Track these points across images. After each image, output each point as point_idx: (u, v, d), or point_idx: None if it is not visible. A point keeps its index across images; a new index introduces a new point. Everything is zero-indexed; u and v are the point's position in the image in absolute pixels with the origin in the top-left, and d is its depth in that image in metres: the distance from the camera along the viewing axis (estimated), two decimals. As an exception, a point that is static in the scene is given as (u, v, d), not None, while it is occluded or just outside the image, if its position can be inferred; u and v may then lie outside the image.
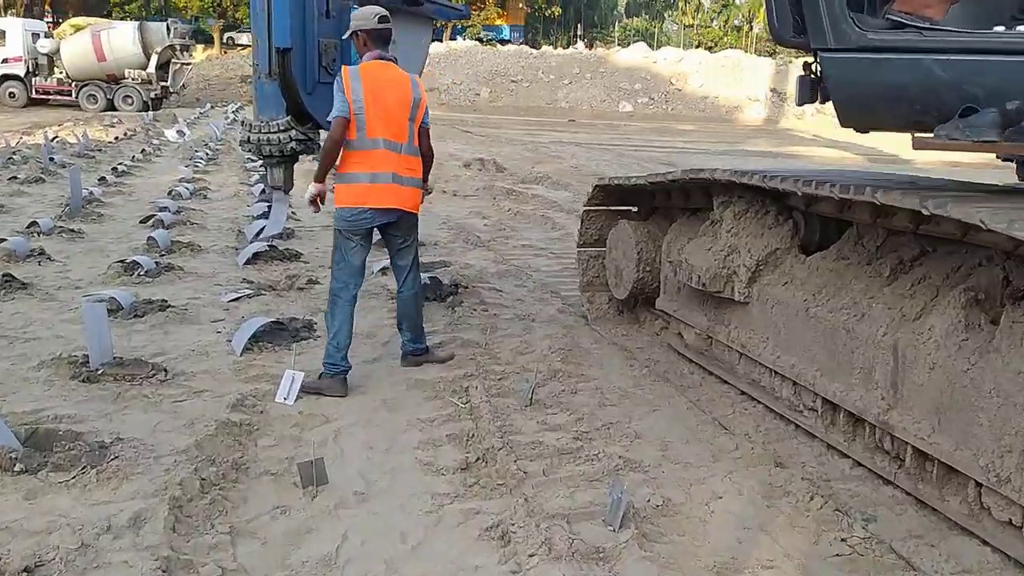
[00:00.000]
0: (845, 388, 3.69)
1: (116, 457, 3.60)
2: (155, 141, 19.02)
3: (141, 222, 9.42)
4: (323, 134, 5.35)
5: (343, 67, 4.71)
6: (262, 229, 8.09)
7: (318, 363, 4.88)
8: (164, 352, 5.17)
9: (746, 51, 53.59)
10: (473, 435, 4.01)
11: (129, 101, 31.23)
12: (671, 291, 5.34)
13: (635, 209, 6.21)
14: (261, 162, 5.47)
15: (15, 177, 12.33)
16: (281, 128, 5.27)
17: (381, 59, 4.69)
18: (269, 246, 7.87)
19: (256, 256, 7.66)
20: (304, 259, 7.88)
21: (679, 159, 20.40)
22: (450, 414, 4.33)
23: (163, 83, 31.04)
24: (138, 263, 6.96)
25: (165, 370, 4.76)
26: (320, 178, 4.72)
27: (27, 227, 8.60)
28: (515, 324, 5.92)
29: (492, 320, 5.97)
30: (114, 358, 4.76)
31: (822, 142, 30.17)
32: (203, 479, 3.45)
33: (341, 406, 4.44)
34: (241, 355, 5.17)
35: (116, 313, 5.81)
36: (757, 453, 3.85)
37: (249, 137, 5.38)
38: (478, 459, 3.75)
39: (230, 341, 5.36)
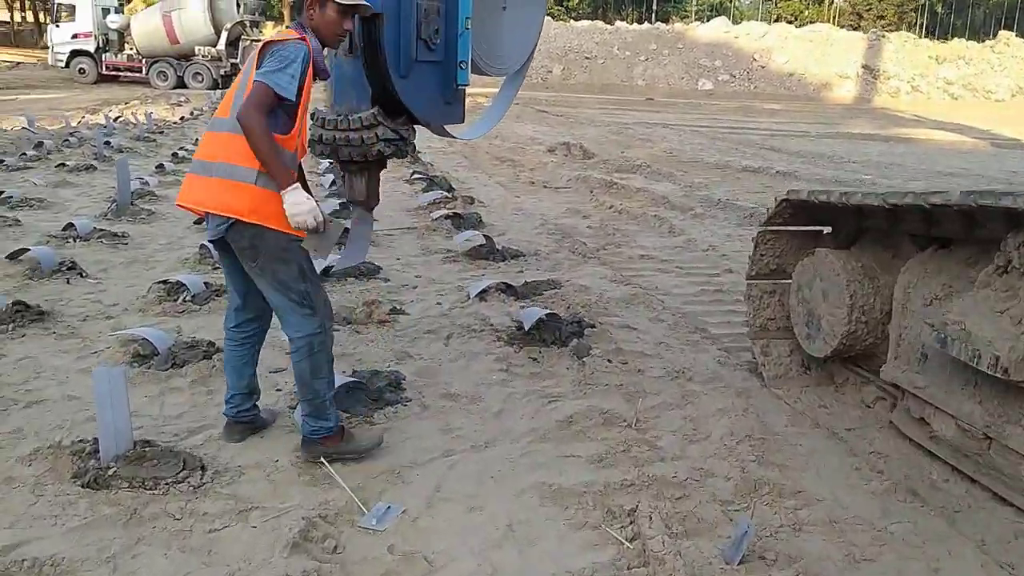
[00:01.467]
0: None
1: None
2: (218, 122, 17.83)
3: (196, 223, 8.14)
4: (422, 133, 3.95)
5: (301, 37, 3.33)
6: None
7: (411, 444, 3.49)
8: (206, 425, 3.82)
9: (835, 23, 50.64)
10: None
11: (199, 78, 30.54)
12: (910, 357, 3.77)
13: (827, 230, 4.64)
14: (338, 168, 4.05)
15: (64, 164, 11.22)
16: (365, 124, 3.83)
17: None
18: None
19: (326, 272, 6.29)
20: (385, 275, 6.49)
21: (780, 142, 18.55)
22: (613, 559, 2.87)
23: (233, 60, 30.24)
24: (184, 284, 5.64)
25: (203, 467, 3.40)
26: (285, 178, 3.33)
27: (63, 229, 7.37)
28: (668, 386, 4.42)
29: (636, 379, 4.47)
30: (135, 445, 3.42)
31: (927, 123, 27.81)
32: None
33: (451, 536, 3.01)
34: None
35: (149, 361, 4.49)
36: None
37: (322, 135, 3.95)
38: None
39: (292, 409, 3.99)
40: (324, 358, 3.48)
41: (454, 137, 4.71)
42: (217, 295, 5.60)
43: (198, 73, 30.58)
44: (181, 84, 30.37)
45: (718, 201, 10.19)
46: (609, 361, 4.66)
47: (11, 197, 8.66)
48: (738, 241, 8.16)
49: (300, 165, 3.52)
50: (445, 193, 9.53)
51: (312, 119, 4.03)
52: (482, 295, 5.86)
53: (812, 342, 4.29)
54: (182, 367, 4.42)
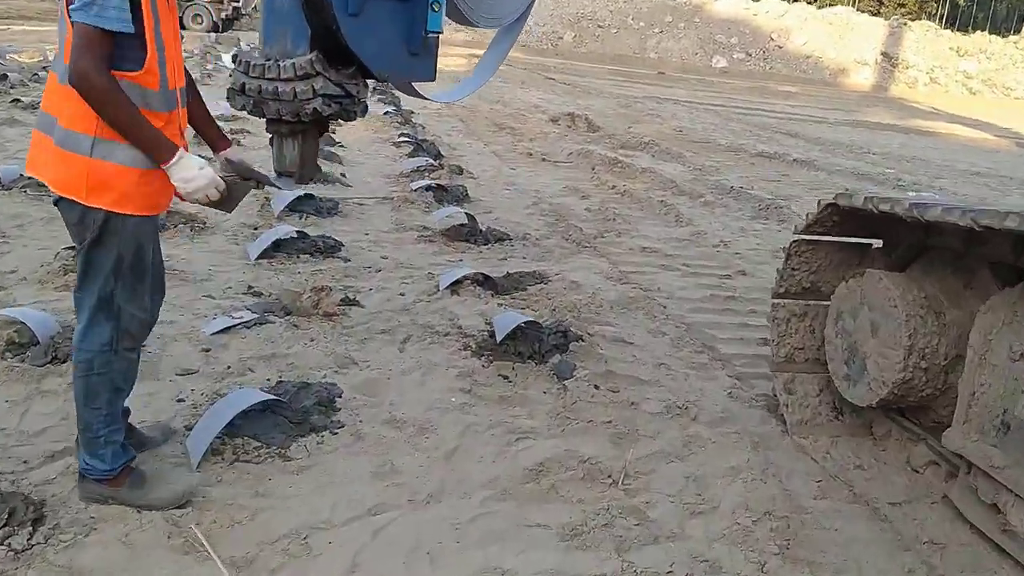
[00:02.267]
0: None
1: None
2: (209, 66, 16.81)
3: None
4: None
5: None
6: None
7: (332, 494, 2.64)
8: (71, 448, 2.95)
9: (855, 7, 49.34)
10: None
11: (199, 20, 29.40)
12: (985, 424, 2.90)
13: (876, 243, 3.76)
14: (267, 129, 3.15)
15: (19, 100, 10.25)
16: (299, 73, 2.93)
17: None
18: (299, 233, 5.59)
19: (278, 247, 5.39)
20: (346, 253, 5.59)
21: (797, 127, 17.58)
22: None
23: (235, 3, 29.12)
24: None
25: (38, 519, 2.54)
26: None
27: (-13, 175, 6.44)
28: (667, 426, 3.55)
29: (628, 414, 3.61)
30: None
31: (945, 116, 26.81)
32: None
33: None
34: (198, 467, 2.94)
35: (24, 351, 3.62)
36: None
37: (245, 85, 3.05)
38: None
39: (189, 432, 3.12)
40: (105, 385, 2.61)
41: (425, 98, 3.81)
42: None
43: (198, 15, 29.42)
44: (180, 25, 29.23)
45: (730, 188, 9.28)
46: (596, 387, 3.79)
47: (-58, 133, 7.71)
48: (752, 236, 7.27)
49: (180, 108, 2.60)
50: (431, 161, 8.60)
51: (234, 62, 3.13)
52: (454, 287, 4.97)
53: (852, 386, 3.42)
54: (63, 363, 3.54)
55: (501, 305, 4.82)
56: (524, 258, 5.95)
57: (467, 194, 7.52)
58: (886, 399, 3.24)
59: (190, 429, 3.15)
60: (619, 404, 3.66)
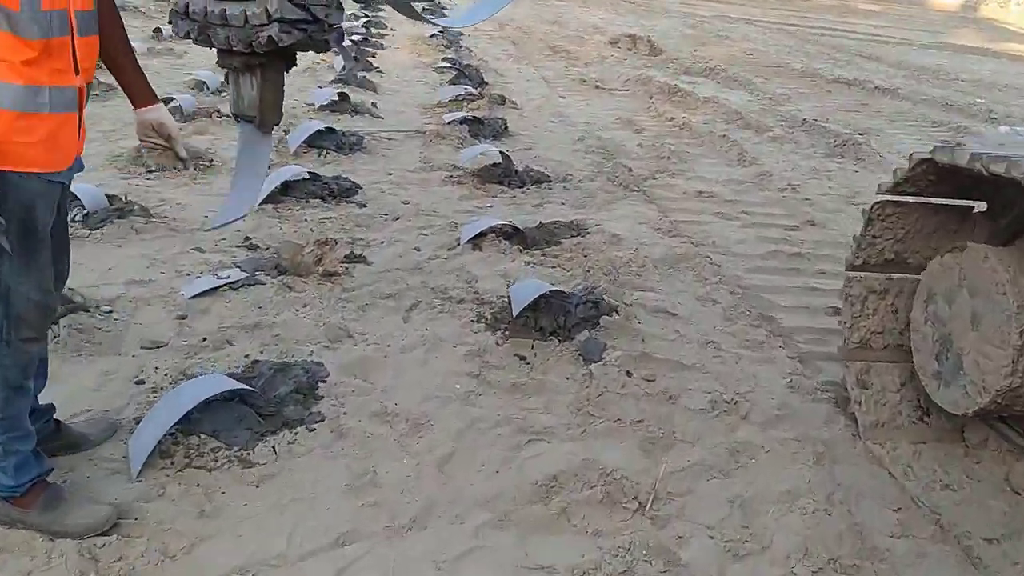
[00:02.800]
0: None
1: None
2: None
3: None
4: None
5: None
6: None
7: (292, 514, 2.13)
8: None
9: (948, -81, 45.90)
10: None
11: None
12: None
13: (979, 207, 3.04)
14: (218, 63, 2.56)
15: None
16: (250, -11, 2.33)
17: None
18: (311, 174, 5.04)
19: (286, 190, 4.85)
20: (363, 197, 5.03)
21: (879, 50, 16.25)
22: None
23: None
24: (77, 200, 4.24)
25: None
26: None
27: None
28: (710, 427, 2.95)
29: (665, 410, 3.01)
30: None
31: (1042, 39, 24.76)
32: None
33: None
34: (139, 475, 2.45)
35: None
36: None
37: (188, 6, 2.45)
38: None
39: (137, 424, 2.64)
40: None
41: (433, 23, 3.16)
42: (127, 214, 4.21)
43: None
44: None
45: (803, 121, 8.39)
46: (629, 374, 3.18)
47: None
48: (825, 178, 6.46)
49: (74, 36, 2.03)
50: (471, 89, 7.90)
51: (174, -24, 2.52)
52: (477, 240, 4.38)
53: (943, 387, 2.77)
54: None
55: (528, 263, 4.21)
56: (562, 204, 5.30)
57: (506, 128, 6.85)
58: (986, 408, 2.59)
59: (137, 424, 2.66)
60: (654, 397, 3.06)
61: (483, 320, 3.55)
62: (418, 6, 2.91)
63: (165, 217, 4.37)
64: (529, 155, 6.30)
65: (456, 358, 3.26)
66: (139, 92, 2.33)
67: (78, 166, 2.18)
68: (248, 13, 2.34)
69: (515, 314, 3.38)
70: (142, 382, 2.97)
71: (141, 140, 2.38)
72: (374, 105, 7.26)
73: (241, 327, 3.39)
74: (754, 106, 9.12)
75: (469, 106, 7.35)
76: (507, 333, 3.42)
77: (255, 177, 2.62)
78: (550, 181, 5.71)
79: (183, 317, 3.42)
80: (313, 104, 6.95)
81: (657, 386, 3.13)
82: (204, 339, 3.28)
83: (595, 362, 3.24)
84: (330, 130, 5.90)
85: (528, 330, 3.42)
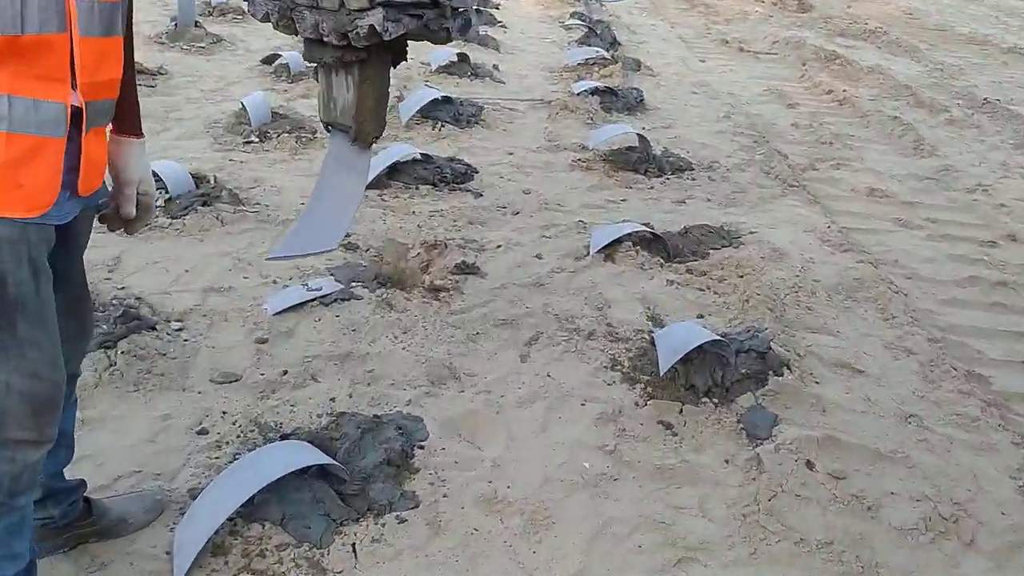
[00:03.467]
0: None
1: None
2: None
3: (264, 61, 6.23)
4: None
5: None
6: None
7: None
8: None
9: None
10: None
11: None
12: None
13: None
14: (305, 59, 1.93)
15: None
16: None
17: None
18: (423, 155, 4.43)
19: (393, 172, 4.26)
20: (479, 184, 4.41)
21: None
22: None
23: None
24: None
25: None
26: None
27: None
28: (923, 555, 2.21)
29: (861, 528, 2.28)
30: None
31: None
32: None
33: None
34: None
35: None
36: None
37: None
38: None
39: (191, 499, 2.11)
40: None
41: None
42: (213, 200, 3.70)
43: None
44: None
45: (982, 101, 7.24)
46: (810, 466, 2.46)
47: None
48: (1019, 176, 5.45)
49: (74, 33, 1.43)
50: (603, 52, 7.10)
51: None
52: (609, 250, 3.69)
53: None
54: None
55: (671, 283, 3.51)
56: (709, 200, 4.54)
57: (642, 100, 6.06)
58: None
59: (195, 497, 2.14)
60: (846, 505, 2.34)
61: (618, 367, 2.88)
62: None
63: (257, 204, 3.85)
64: (668, 135, 5.52)
65: (585, 421, 2.61)
66: (128, 116, 1.72)
67: (93, 199, 1.61)
68: (344, -8, 1.71)
69: (663, 371, 2.69)
70: (205, 432, 2.45)
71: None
72: (495, 68, 6.58)
73: (329, 357, 2.83)
74: (924, 79, 7.98)
75: (600, 72, 6.57)
76: (649, 389, 2.74)
77: (346, 202, 2.00)
78: (693, 169, 4.94)
79: (263, 341, 2.88)
80: (430, 65, 6.32)
81: (849, 487, 2.40)
82: (285, 372, 2.74)
83: (763, 440, 2.54)
84: (447, 99, 5.26)
85: (675, 387, 2.74)
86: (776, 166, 5.11)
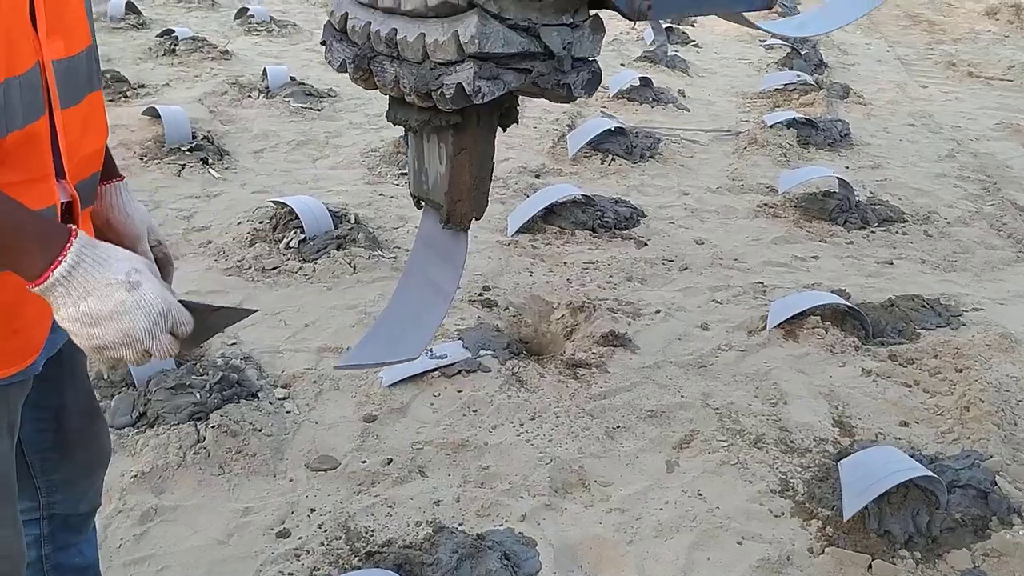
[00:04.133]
0: None
1: None
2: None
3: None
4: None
5: None
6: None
7: None
8: None
9: None
10: None
11: None
12: None
13: None
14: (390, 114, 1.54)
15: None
16: (436, 5, 1.26)
17: None
18: (584, 197, 3.97)
19: (553, 212, 3.85)
20: (644, 230, 3.91)
21: None
22: None
23: None
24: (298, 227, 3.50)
25: None
26: None
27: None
28: None
29: None
30: None
31: None
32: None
33: None
34: None
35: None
36: None
37: (348, 19, 1.45)
38: None
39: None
40: None
41: (762, 30, 1.93)
42: (333, 248, 3.42)
43: None
44: None
45: None
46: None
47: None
48: None
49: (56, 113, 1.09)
50: (805, 76, 6.34)
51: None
52: (791, 324, 3.08)
53: None
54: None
55: (868, 374, 2.86)
56: (923, 262, 3.80)
57: (847, 134, 5.30)
58: None
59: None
60: None
61: (790, 492, 2.30)
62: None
63: (395, 248, 3.55)
64: (876, 177, 4.76)
65: (740, 568, 2.06)
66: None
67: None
68: (428, 41, 1.29)
69: (846, 515, 2.09)
70: (286, 534, 2.12)
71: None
72: (681, 93, 6.02)
73: (442, 445, 2.44)
74: None
75: (800, 100, 5.85)
76: (828, 531, 2.15)
77: (435, 299, 1.59)
78: (905, 221, 4.19)
79: (371, 419, 2.54)
80: (608, 89, 5.87)
81: None
82: (389, 461, 2.38)
83: (982, 626, 1.89)
84: (620, 130, 4.78)
85: (864, 531, 2.13)
86: (1010, 222, 4.25)
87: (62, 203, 1.10)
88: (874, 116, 5.97)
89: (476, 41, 1.23)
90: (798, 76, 6.25)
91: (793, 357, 2.94)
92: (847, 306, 3.15)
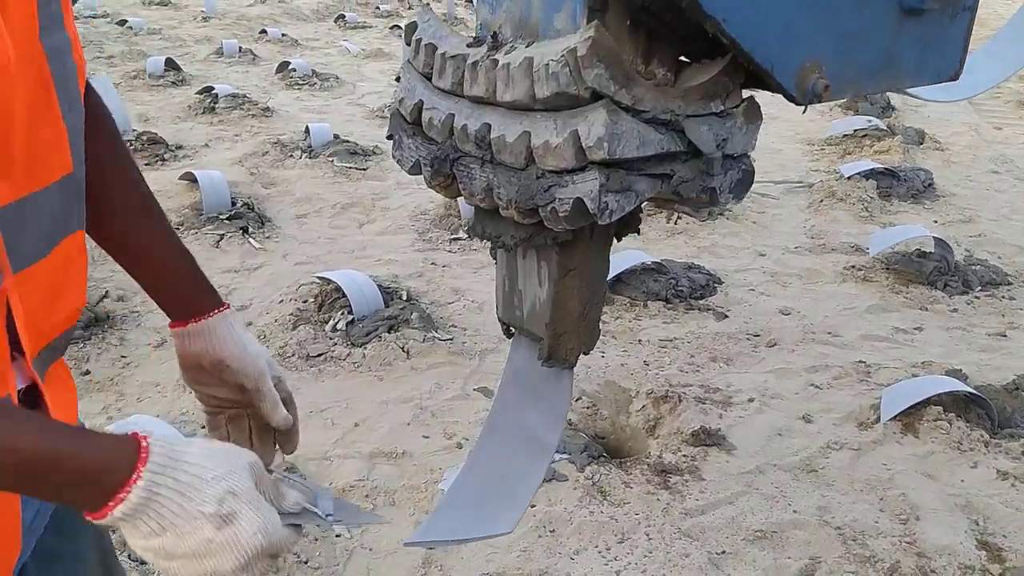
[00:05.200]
0: None
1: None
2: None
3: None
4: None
5: None
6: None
7: None
8: None
9: None
10: None
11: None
12: None
13: None
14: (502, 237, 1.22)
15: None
16: (547, 91, 0.93)
17: None
18: (655, 264, 3.63)
19: (621, 280, 3.51)
20: (723, 298, 3.54)
21: None
22: None
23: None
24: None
25: None
26: None
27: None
28: None
29: None
30: None
31: None
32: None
33: None
34: None
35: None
36: None
37: (424, 109, 1.13)
38: None
39: None
40: None
41: (919, 98, 1.57)
42: (388, 331, 3.10)
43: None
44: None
45: None
46: None
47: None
48: None
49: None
50: (876, 121, 5.97)
51: (409, 43, 1.20)
52: (907, 416, 2.68)
53: None
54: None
55: (1004, 477, 2.45)
56: (1037, 333, 3.38)
57: (931, 184, 4.91)
58: None
59: None
60: None
61: (943, 645, 1.90)
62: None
63: (452, 328, 3.22)
64: (969, 232, 4.36)
65: None
66: (198, 294, 1.05)
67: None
68: (535, 143, 0.96)
69: None
70: None
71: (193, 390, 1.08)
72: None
73: (514, 578, 2.08)
74: None
75: (875, 148, 5.47)
76: None
77: (530, 457, 1.24)
78: (1010, 284, 3.78)
79: (433, 545, 2.19)
80: (666, 139, 5.53)
81: None
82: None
83: None
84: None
85: None
86: None
87: (19, 390, 0.80)
88: (953, 163, 5.56)
89: (605, 145, 0.90)
90: (868, 121, 5.87)
91: (916, 457, 2.55)
92: (970, 392, 2.75)
